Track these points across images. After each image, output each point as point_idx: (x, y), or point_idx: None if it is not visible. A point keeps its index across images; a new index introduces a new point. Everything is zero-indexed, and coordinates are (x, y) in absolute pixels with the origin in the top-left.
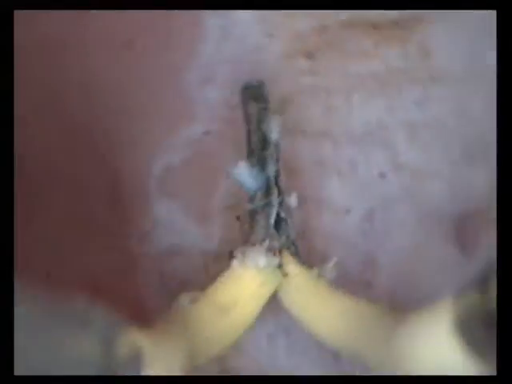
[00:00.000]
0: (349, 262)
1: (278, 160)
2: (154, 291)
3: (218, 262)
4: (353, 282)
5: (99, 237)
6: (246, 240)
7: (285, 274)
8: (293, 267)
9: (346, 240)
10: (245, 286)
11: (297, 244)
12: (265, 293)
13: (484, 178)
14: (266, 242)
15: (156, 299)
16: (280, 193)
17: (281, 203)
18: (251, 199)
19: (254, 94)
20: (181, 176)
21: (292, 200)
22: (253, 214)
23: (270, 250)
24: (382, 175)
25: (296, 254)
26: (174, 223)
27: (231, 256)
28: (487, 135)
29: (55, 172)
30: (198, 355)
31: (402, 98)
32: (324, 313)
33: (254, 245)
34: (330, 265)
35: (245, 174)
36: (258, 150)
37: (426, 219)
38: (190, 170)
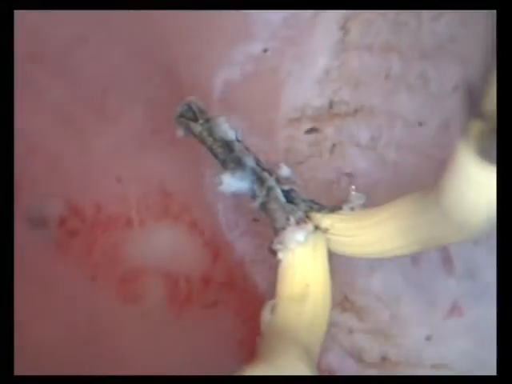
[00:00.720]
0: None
1: (247, 149)
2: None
3: None
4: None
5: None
6: (276, 231)
7: (325, 230)
8: (326, 220)
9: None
10: (303, 266)
11: (314, 199)
12: (323, 259)
13: None
14: (291, 219)
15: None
16: (271, 173)
17: (277, 180)
18: (253, 196)
19: (189, 117)
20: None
21: (284, 171)
22: (264, 207)
23: (299, 223)
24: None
25: (320, 208)
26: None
27: (273, 252)
28: None
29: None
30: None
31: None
32: (378, 234)
33: (284, 229)
34: (353, 193)
35: (232, 182)
36: (228, 156)
37: None
38: (251, 85)
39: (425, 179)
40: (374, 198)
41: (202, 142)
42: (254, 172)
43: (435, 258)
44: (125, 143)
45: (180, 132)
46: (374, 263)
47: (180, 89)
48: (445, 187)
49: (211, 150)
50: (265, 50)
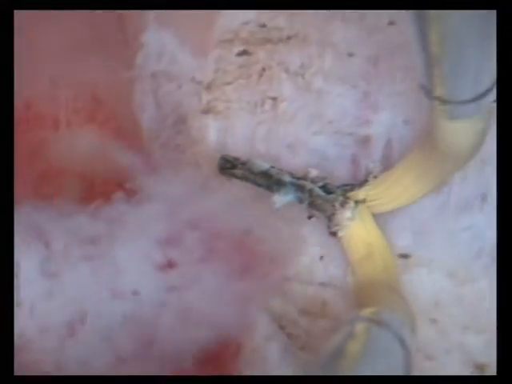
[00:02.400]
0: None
1: (280, 170)
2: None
3: (211, 92)
4: None
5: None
6: (329, 218)
7: (363, 201)
8: (360, 194)
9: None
10: (359, 233)
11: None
12: (371, 223)
13: None
14: (336, 205)
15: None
16: (305, 178)
17: (312, 181)
18: (300, 201)
19: (228, 167)
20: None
21: (313, 173)
22: (312, 205)
23: (343, 205)
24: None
25: (352, 187)
26: (167, 52)
27: (333, 233)
28: None
29: None
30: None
31: None
32: (402, 187)
33: (334, 214)
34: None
35: (282, 199)
36: (269, 182)
37: None
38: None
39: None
40: (296, 123)
41: (247, 180)
42: (293, 184)
43: None
44: (65, 48)
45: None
46: None
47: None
48: (437, 136)
49: (255, 183)
50: None
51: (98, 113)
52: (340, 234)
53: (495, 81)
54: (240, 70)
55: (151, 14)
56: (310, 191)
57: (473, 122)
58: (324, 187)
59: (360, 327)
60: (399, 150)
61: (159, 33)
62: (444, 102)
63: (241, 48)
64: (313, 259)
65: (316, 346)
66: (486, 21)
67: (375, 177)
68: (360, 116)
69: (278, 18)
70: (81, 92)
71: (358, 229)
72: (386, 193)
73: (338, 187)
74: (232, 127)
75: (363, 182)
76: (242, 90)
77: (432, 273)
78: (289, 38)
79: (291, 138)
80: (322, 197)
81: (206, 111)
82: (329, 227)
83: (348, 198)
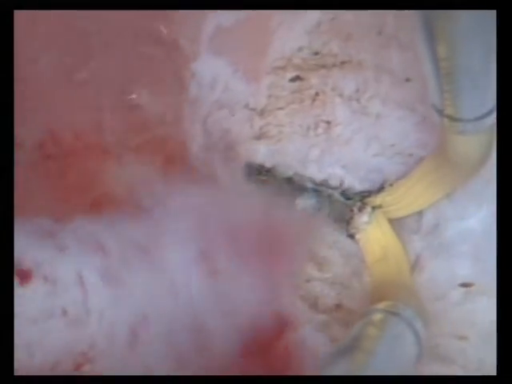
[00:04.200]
0: None
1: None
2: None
3: (263, 118)
4: None
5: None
6: (348, 222)
7: (380, 206)
8: (377, 200)
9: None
10: (375, 237)
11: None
12: (387, 227)
13: None
14: (355, 209)
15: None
16: (325, 184)
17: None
18: (321, 205)
19: (253, 173)
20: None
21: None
22: (332, 210)
23: (361, 210)
24: None
25: (370, 193)
26: (220, 80)
27: (351, 236)
28: None
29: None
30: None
31: None
32: (417, 193)
33: (352, 218)
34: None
35: (304, 202)
36: (293, 187)
37: None
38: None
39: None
40: (354, 144)
41: (271, 185)
42: (314, 189)
43: None
44: (110, 75)
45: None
46: None
47: (170, 31)
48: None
49: (279, 188)
50: None
51: (147, 142)
52: (357, 237)
53: None
54: (293, 96)
55: (203, 43)
56: (330, 196)
57: (480, 135)
58: (343, 193)
59: (377, 317)
60: None
61: (212, 61)
62: (454, 120)
63: (293, 74)
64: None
65: None
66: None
67: (391, 184)
68: (419, 138)
69: (331, 44)
70: (130, 121)
71: (374, 232)
72: (400, 199)
73: (356, 193)
74: (284, 150)
75: (380, 189)
76: (294, 114)
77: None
78: (343, 63)
79: (346, 160)
80: (341, 202)
81: (259, 137)
82: (347, 230)
83: (365, 203)
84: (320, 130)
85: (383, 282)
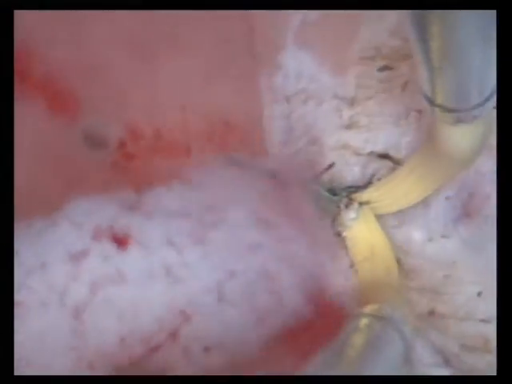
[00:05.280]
0: None
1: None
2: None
3: (352, 108)
4: None
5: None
6: (334, 218)
7: (367, 202)
8: (364, 195)
9: None
10: (362, 234)
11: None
12: (375, 224)
13: None
14: (341, 206)
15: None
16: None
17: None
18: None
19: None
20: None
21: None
22: (319, 205)
23: (347, 206)
24: None
25: (357, 189)
26: (305, 72)
27: (338, 233)
28: None
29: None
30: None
31: None
32: (406, 187)
33: (339, 214)
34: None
35: None
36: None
37: None
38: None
39: None
40: None
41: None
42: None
43: None
44: (192, 74)
45: None
46: None
47: (255, 24)
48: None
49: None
50: None
51: (229, 139)
52: (344, 234)
53: (495, 88)
54: (382, 85)
55: (289, 36)
56: (316, 192)
57: (474, 126)
58: (329, 189)
59: (363, 322)
60: None
61: (298, 53)
62: (446, 109)
63: (382, 63)
64: None
65: None
66: (488, 26)
67: (379, 179)
68: None
69: None
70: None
71: (361, 229)
72: (389, 194)
73: (343, 189)
74: (375, 139)
75: (367, 184)
76: (384, 103)
77: None
78: None
79: None
80: (327, 198)
81: (349, 126)
82: (333, 227)
83: (352, 199)
84: (411, 119)
85: (371, 282)
